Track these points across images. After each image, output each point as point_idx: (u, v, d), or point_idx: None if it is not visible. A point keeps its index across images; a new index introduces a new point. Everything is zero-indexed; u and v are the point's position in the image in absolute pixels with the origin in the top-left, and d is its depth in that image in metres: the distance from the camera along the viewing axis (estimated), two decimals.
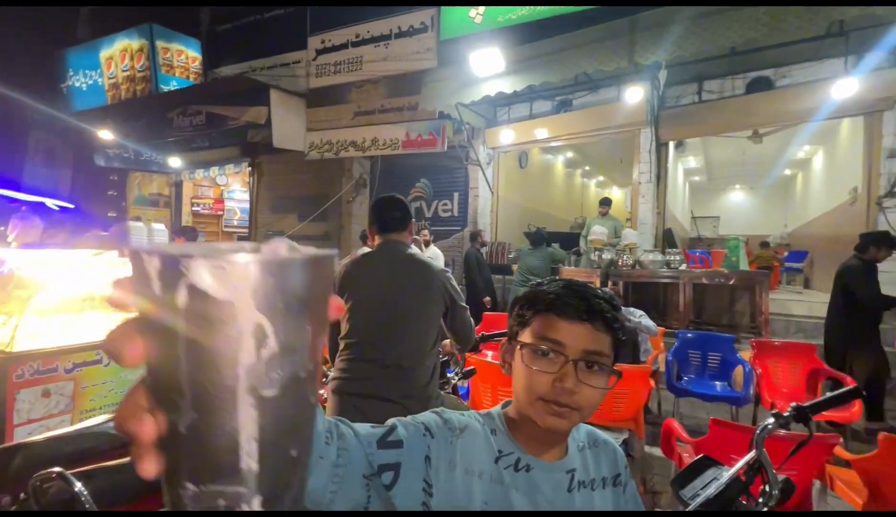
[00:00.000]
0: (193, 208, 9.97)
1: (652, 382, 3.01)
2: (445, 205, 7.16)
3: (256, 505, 0.21)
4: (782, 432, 1.24)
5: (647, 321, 3.88)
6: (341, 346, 1.70)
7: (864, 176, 5.29)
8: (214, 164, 8.74)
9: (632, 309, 3.94)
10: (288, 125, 6.60)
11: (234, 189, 10.54)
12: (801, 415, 1.06)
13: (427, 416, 0.66)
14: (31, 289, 2.55)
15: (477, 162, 6.81)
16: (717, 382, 3.62)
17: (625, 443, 3.26)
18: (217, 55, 8.20)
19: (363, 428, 0.56)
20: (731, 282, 4.95)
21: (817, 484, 2.32)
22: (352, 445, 0.52)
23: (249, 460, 0.20)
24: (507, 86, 5.04)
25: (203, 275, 0.19)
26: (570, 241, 6.65)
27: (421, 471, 0.58)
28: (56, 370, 2.69)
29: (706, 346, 3.82)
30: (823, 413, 1.19)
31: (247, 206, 9.25)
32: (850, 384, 3.10)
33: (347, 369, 1.65)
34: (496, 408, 0.73)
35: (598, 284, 5.00)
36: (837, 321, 3.56)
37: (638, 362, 2.97)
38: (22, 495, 1.46)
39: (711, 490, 1.10)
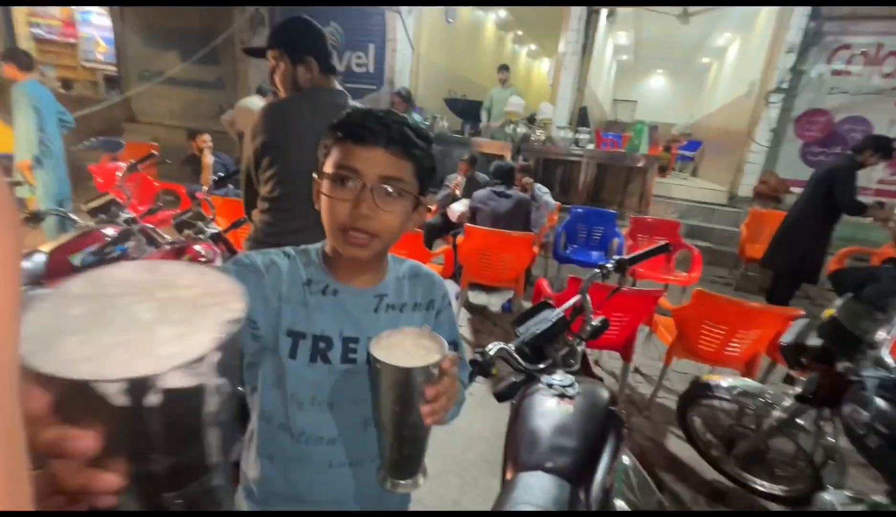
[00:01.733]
0: (33, 31, 7.45)
1: (536, 249, 3.29)
2: (360, 58, 6.39)
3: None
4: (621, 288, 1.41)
5: (548, 198, 4.10)
6: (264, 207, 1.48)
7: (763, 69, 5.56)
8: None
9: (538, 185, 4.10)
10: None
11: (88, 10, 8.12)
12: (620, 265, 1.20)
13: (223, 270, 0.63)
14: None
15: (397, 9, 5.97)
16: (594, 252, 4.06)
17: (509, 301, 3.67)
18: None
19: None
20: (626, 164, 5.27)
21: (646, 329, 2.83)
22: None
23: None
24: None
25: (176, 380, 0.21)
26: None
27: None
28: None
29: (593, 221, 4.18)
30: (641, 264, 1.33)
31: (110, 35, 7.44)
32: (696, 254, 3.65)
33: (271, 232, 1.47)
34: (315, 245, 0.74)
35: (508, 157, 5.05)
36: (810, 224, 3.27)
37: (528, 230, 3.17)
38: None
39: (542, 326, 1.26)
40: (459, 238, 3.14)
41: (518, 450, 0.98)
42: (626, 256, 1.21)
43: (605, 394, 1.11)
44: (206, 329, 0.23)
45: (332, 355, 0.66)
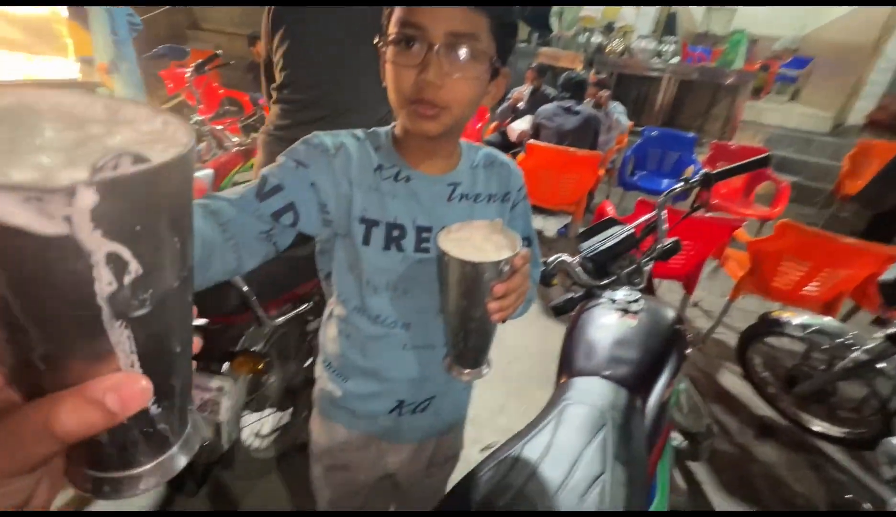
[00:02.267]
0: None
1: (601, 172, 3.08)
2: None
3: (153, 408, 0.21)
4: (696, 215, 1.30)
5: (623, 117, 3.75)
6: (274, 97, 1.45)
7: None
8: None
9: (615, 103, 3.74)
10: None
11: None
12: (707, 180, 1.08)
13: (292, 151, 0.62)
14: None
15: None
16: (665, 179, 3.76)
17: (565, 226, 3.56)
18: None
19: (233, 192, 0.58)
20: (715, 81, 4.66)
21: (714, 263, 2.66)
22: (231, 215, 0.54)
23: (133, 371, 0.19)
24: None
25: (14, 212, 0.14)
26: None
27: (313, 200, 0.61)
28: None
29: (667, 145, 3.82)
30: (728, 179, 1.19)
31: None
32: (783, 186, 3.28)
33: (283, 125, 1.42)
34: (385, 128, 0.70)
35: (579, 68, 4.60)
36: None
37: (595, 150, 2.96)
38: None
39: (609, 241, 1.21)
40: (520, 157, 3.00)
41: (574, 358, 0.99)
42: (714, 170, 1.08)
43: (671, 314, 1.06)
44: (93, 166, 0.17)
45: (406, 244, 0.65)
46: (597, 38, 4.75)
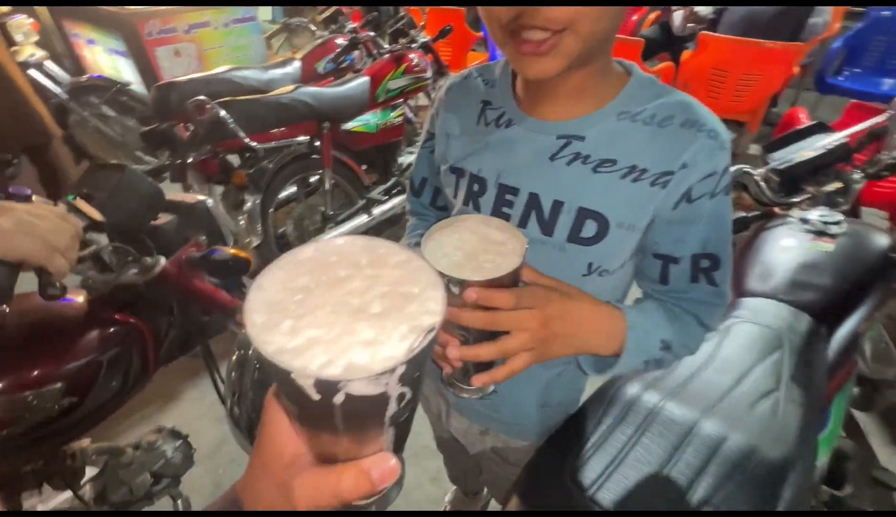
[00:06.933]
0: None
1: (796, 69, 2.47)
2: None
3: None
4: None
5: None
6: None
7: None
8: None
9: None
10: None
11: None
12: None
13: (428, 122, 0.63)
14: None
15: None
16: (889, 79, 2.86)
17: (732, 142, 3.02)
18: None
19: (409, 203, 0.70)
20: None
21: None
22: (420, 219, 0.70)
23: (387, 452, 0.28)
24: None
25: (360, 387, 0.22)
26: None
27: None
28: (175, 31, 2.94)
29: None
30: None
31: None
32: None
33: None
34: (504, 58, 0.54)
35: None
36: None
37: (794, 39, 2.35)
38: (183, 124, 1.87)
39: (812, 152, 1.02)
40: (686, 53, 2.54)
41: (746, 278, 0.92)
42: None
43: (884, 239, 0.90)
44: (400, 336, 0.24)
45: (483, 202, 0.54)
46: None
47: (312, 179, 2.07)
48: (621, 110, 0.47)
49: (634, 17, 3.49)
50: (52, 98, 2.48)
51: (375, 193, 2.12)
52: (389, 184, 2.19)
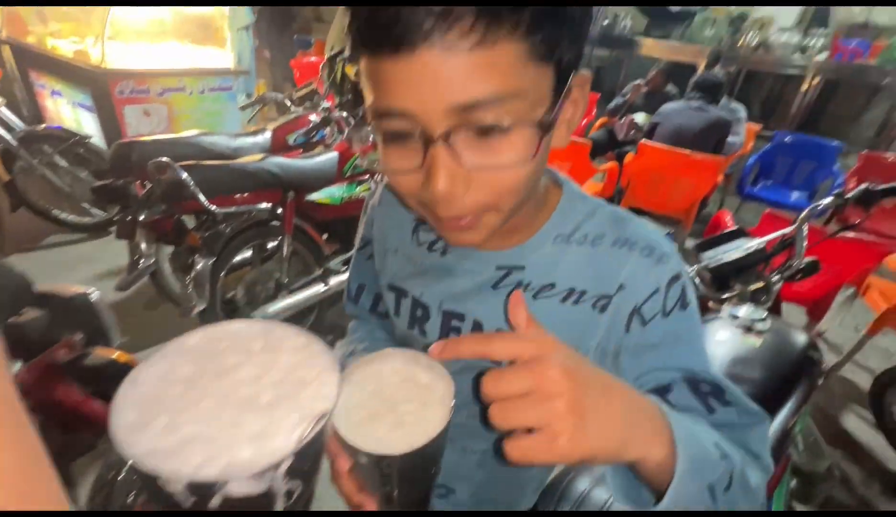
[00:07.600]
0: None
1: (720, 178, 2.83)
2: None
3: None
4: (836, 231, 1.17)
5: (742, 114, 3.39)
6: None
7: None
8: None
9: (734, 104, 3.39)
10: None
11: None
12: (868, 196, 0.97)
13: (363, 229, 0.61)
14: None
15: None
16: (795, 192, 3.33)
17: (670, 234, 3.33)
18: None
19: (349, 309, 0.67)
20: (870, 82, 3.99)
21: (850, 291, 2.33)
22: (360, 324, 0.65)
23: None
24: None
25: (241, 487, 0.20)
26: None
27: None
28: (149, 92, 2.97)
29: (802, 153, 3.38)
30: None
31: None
32: None
33: None
34: None
35: (701, 67, 4.23)
36: None
37: (717, 153, 2.72)
38: (140, 182, 1.83)
39: (735, 254, 1.14)
40: (629, 156, 2.87)
41: None
42: (878, 186, 0.97)
43: (803, 337, 0.99)
44: (289, 427, 0.22)
45: (429, 328, 0.51)
46: (725, 30, 4.31)
47: (270, 245, 2.04)
48: (556, 233, 0.46)
49: (584, 122, 3.94)
50: None
51: (334, 263, 2.11)
52: (349, 255, 2.20)
